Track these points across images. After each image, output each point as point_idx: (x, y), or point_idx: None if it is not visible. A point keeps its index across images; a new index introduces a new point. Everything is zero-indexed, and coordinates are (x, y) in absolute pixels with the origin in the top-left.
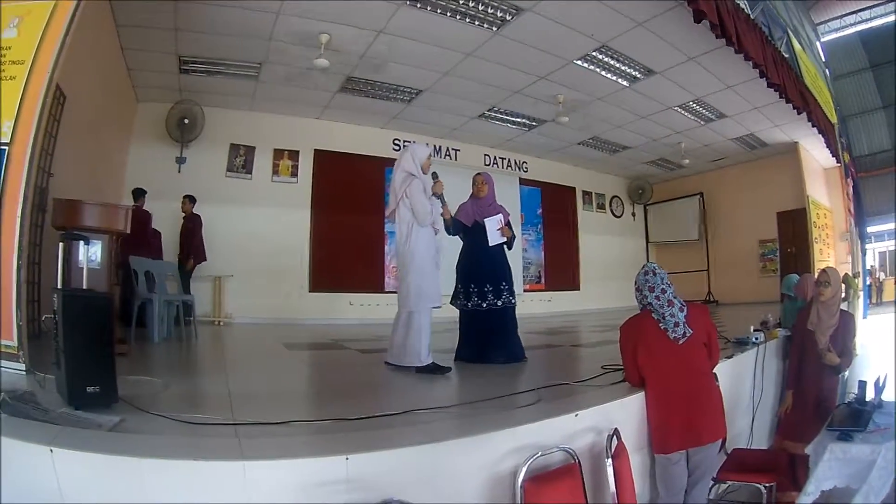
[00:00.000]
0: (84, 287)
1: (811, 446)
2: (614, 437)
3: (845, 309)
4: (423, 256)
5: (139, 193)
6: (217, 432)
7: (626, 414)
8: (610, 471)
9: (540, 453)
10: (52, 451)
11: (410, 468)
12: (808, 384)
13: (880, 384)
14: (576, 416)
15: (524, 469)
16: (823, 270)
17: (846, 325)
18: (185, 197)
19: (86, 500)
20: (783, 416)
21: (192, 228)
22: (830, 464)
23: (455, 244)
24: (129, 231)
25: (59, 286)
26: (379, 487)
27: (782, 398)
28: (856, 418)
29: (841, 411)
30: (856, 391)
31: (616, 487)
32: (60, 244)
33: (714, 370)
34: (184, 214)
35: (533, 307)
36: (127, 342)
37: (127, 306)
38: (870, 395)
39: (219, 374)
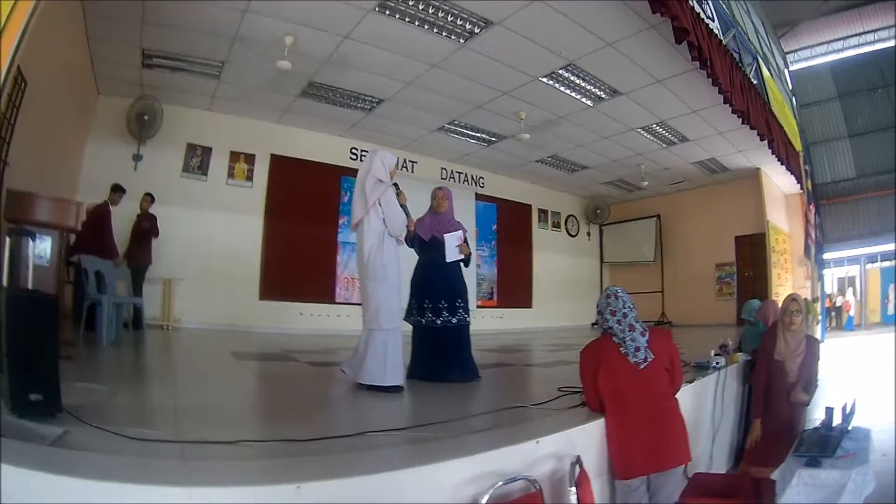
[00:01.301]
0: (30, 286)
1: (777, 471)
2: (577, 464)
3: (809, 334)
4: (394, 270)
5: (118, 189)
6: (162, 452)
7: (587, 440)
8: (574, 500)
9: (501, 483)
10: None
11: (366, 497)
12: (777, 413)
13: (847, 410)
14: (536, 442)
15: (485, 498)
16: (793, 299)
17: (812, 350)
18: (146, 194)
19: None
20: (752, 446)
21: (146, 227)
22: (798, 488)
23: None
24: (80, 228)
25: (5, 284)
26: None
27: (747, 426)
28: (823, 444)
29: (808, 437)
30: (821, 416)
31: None
32: (7, 239)
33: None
34: (139, 212)
35: (484, 323)
36: (74, 345)
37: (79, 306)
38: (836, 420)
39: (166, 384)
